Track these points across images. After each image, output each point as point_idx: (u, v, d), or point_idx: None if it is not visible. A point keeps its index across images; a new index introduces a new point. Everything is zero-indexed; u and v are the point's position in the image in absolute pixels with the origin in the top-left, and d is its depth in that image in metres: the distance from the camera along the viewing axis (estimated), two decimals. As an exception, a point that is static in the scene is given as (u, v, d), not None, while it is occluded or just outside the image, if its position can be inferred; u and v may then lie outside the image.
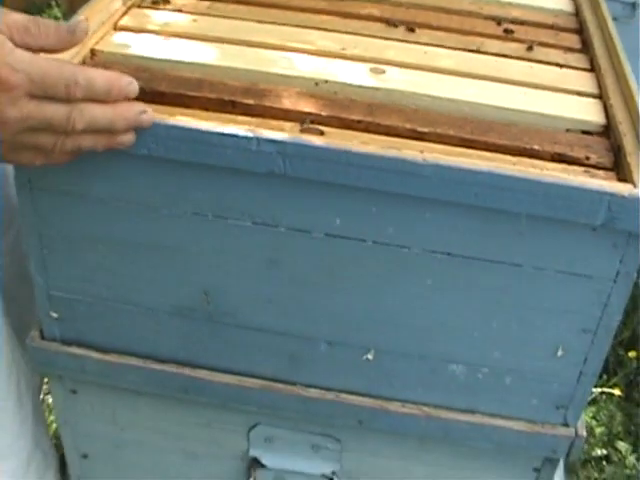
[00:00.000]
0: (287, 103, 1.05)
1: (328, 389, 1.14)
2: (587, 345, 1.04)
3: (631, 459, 2.25)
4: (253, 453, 1.25)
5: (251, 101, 1.05)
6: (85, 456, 1.33)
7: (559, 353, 1.05)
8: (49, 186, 1.03)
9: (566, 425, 1.12)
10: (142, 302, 1.11)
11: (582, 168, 0.99)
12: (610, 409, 2.37)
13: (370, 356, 1.10)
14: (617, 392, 2.37)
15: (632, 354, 2.45)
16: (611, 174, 0.98)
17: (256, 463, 1.25)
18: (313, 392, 1.14)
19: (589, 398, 2.32)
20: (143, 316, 1.12)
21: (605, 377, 2.44)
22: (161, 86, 1.06)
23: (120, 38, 1.14)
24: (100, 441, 1.31)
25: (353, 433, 1.19)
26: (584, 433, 1.13)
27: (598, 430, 2.32)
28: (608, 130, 1.06)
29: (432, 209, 0.96)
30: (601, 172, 0.99)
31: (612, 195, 0.90)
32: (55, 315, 1.15)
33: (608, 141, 1.04)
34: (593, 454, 2.28)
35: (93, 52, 1.11)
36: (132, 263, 1.08)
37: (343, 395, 1.13)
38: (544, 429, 1.12)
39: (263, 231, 1.01)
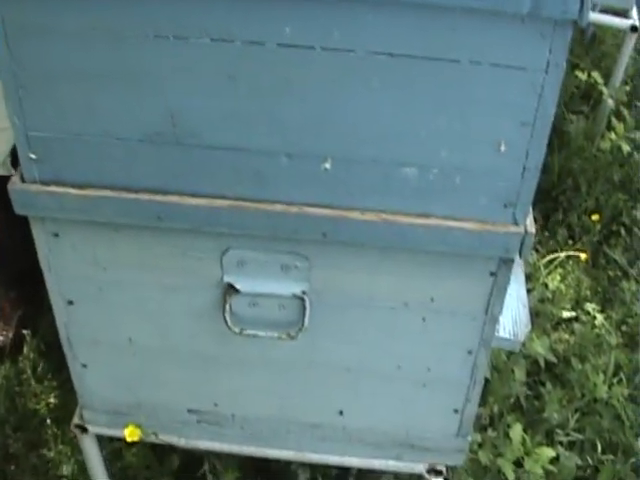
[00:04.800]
0: None
1: (292, 203, 1.21)
2: (527, 139, 1.12)
3: (600, 318, 2.33)
4: (227, 279, 1.33)
5: None
6: (70, 302, 1.41)
7: (502, 148, 1.13)
8: (21, 22, 1.10)
9: (516, 224, 1.21)
10: (113, 132, 1.18)
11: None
12: (577, 274, 2.45)
13: (328, 165, 1.17)
14: (583, 256, 2.46)
15: (595, 217, 2.54)
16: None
17: (231, 289, 1.33)
18: (278, 207, 1.21)
19: (556, 262, 2.43)
20: (115, 147, 1.19)
21: (571, 242, 2.53)
22: None
23: None
24: (84, 285, 1.38)
25: (319, 248, 1.27)
26: (533, 230, 1.20)
27: (566, 293, 2.40)
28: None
29: (373, 10, 1.03)
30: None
31: (536, -21, 0.97)
32: (34, 156, 1.22)
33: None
34: (563, 316, 2.36)
35: None
36: (102, 94, 1.15)
37: (306, 208, 1.21)
38: (495, 228, 1.20)
39: (221, 47, 1.08)
